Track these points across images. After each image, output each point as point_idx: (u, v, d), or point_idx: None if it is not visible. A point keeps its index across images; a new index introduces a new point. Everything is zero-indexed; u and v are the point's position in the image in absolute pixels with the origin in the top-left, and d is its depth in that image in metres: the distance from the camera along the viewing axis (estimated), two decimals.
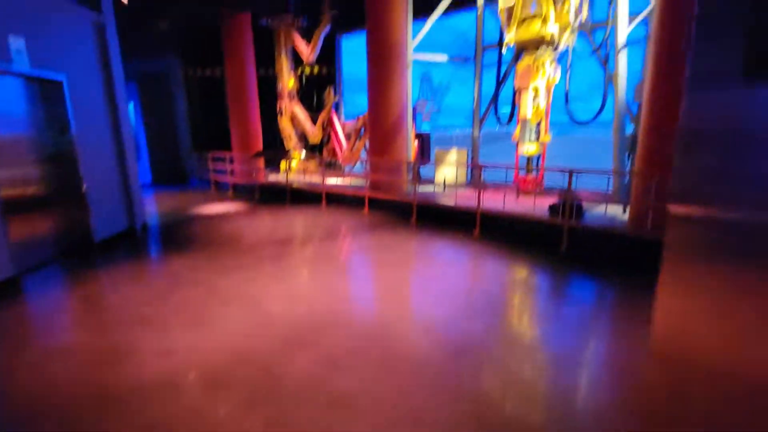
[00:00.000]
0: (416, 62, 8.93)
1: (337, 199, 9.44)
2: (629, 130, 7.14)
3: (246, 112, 11.79)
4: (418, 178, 8.22)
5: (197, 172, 13.07)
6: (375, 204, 8.76)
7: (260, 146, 12.16)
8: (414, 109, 9.81)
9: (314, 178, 11.01)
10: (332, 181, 10.67)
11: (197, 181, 13.29)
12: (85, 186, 5.81)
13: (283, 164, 11.55)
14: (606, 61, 7.21)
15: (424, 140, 10.77)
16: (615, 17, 6.69)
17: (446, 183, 8.10)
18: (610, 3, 6.79)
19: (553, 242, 5.78)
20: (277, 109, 11.84)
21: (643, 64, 7.00)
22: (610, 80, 7.14)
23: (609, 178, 7.10)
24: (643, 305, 3.96)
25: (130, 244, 6.42)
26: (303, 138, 12.24)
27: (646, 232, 5.07)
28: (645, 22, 6.94)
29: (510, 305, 4.23)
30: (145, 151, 13.83)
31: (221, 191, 11.96)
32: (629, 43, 6.80)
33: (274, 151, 12.63)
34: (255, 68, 11.79)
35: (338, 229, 7.33)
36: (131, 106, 13.34)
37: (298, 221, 8.05)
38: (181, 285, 4.55)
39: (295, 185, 10.37)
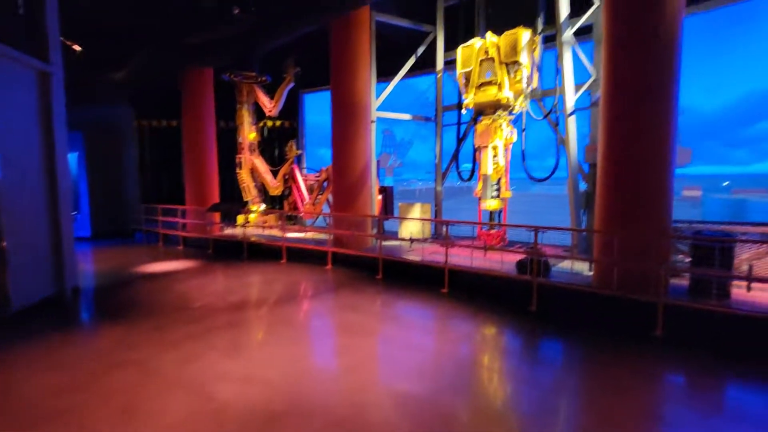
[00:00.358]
0: (379, 119, 9.11)
1: (298, 255, 8.99)
2: (582, 187, 7.51)
3: (203, 164, 11.32)
4: (382, 233, 8.05)
5: (144, 225, 12.15)
6: (339, 259, 8.41)
7: (217, 199, 11.61)
8: (377, 163, 9.88)
9: (274, 232, 10.53)
10: (293, 235, 10.25)
11: (143, 236, 12.32)
12: (4, 243, 5.07)
13: (240, 218, 11.02)
14: (557, 124, 7.71)
15: (387, 194, 10.78)
16: (563, 86, 7.25)
17: (412, 237, 7.98)
18: (557, 73, 7.38)
19: (522, 299, 5.68)
20: (236, 161, 11.53)
21: (590, 128, 7.57)
22: (561, 143, 7.58)
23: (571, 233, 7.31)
24: (620, 373, 3.83)
25: (56, 313, 5.56)
26: (263, 190, 11.87)
27: (613, 290, 5.11)
28: (589, 92, 7.58)
29: (487, 376, 3.95)
30: (86, 203, 12.78)
31: (170, 246, 11.10)
32: (577, 109, 7.34)
33: (231, 203, 12.08)
34: (215, 120, 11.54)
35: (299, 288, 6.86)
36: (74, 156, 12.48)
37: (255, 280, 7.48)
38: (112, 366, 3.87)
39: (252, 239, 9.83)
